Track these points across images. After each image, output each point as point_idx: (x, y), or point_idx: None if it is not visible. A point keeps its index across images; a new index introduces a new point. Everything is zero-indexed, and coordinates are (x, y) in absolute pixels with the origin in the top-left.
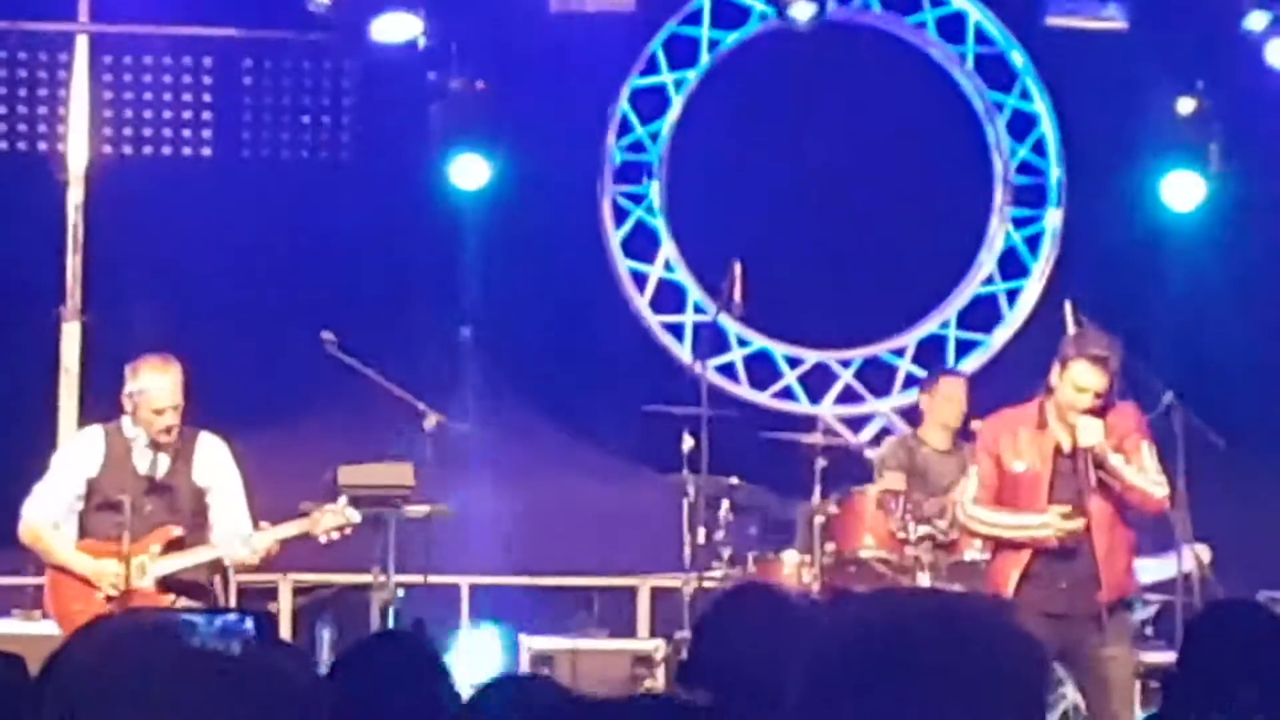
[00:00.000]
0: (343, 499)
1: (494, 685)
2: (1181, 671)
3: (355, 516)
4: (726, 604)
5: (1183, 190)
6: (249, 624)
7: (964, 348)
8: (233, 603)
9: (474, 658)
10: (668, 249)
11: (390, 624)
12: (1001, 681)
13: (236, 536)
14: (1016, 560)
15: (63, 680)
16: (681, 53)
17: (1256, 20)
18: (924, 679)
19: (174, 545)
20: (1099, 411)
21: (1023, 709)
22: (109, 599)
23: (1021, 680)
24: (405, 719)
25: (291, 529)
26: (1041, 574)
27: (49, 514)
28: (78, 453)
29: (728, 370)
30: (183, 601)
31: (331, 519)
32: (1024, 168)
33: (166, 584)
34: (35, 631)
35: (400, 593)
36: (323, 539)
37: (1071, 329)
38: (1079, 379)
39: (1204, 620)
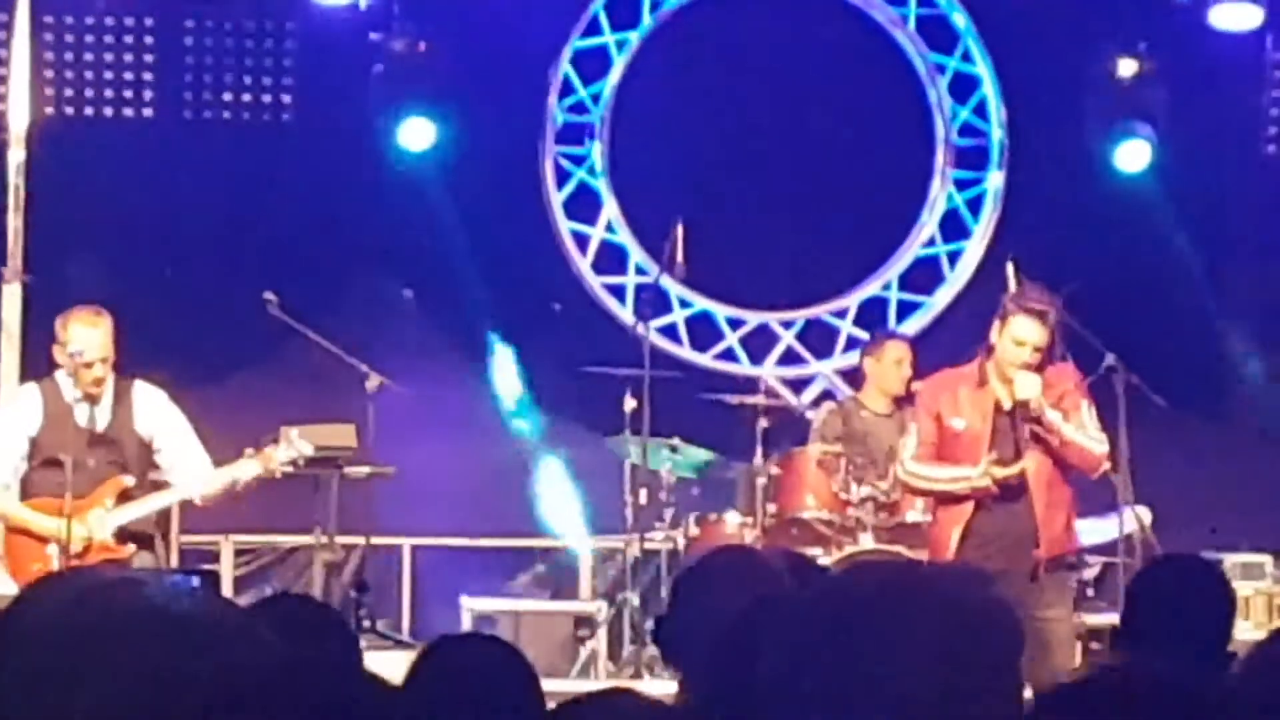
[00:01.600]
0: (292, 430)
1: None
2: (1125, 627)
3: (308, 448)
4: (705, 565)
5: (1126, 152)
6: (195, 582)
7: (906, 309)
8: (174, 562)
9: None
10: (609, 210)
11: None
12: (978, 651)
13: (198, 476)
14: (958, 517)
15: (20, 632)
16: (623, 14)
17: None
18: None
19: (125, 496)
20: (1037, 368)
21: (999, 678)
22: (69, 555)
23: (997, 650)
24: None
25: (249, 467)
26: (981, 531)
27: None
28: (16, 412)
29: (669, 331)
30: (139, 555)
31: (285, 452)
32: (966, 129)
33: (123, 535)
34: None
35: (342, 554)
36: (278, 474)
37: (1013, 288)
38: (1018, 333)
39: (1147, 576)
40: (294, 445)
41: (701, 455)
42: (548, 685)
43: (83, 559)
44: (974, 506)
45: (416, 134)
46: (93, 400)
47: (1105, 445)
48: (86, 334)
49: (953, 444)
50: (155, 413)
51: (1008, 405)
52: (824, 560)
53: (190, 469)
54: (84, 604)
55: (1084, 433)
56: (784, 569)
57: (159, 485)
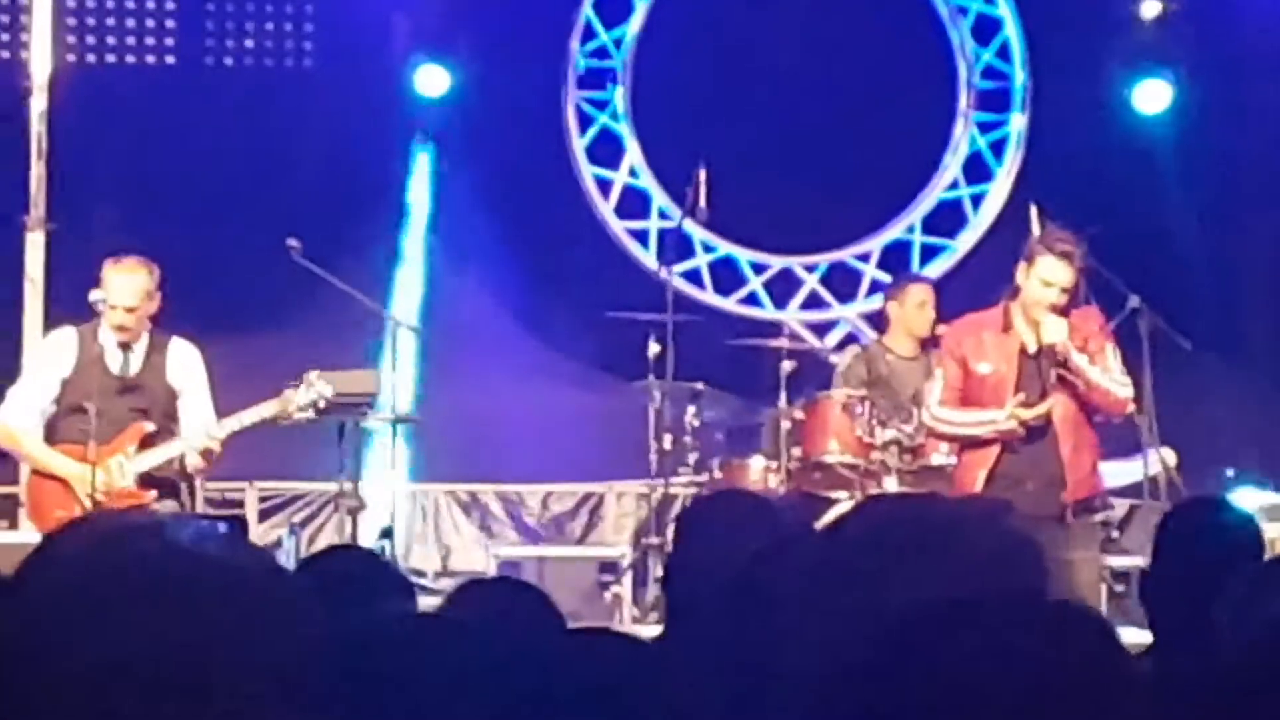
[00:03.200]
0: (313, 373)
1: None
2: (1154, 570)
3: (328, 390)
4: (706, 508)
5: (1149, 94)
6: (222, 528)
7: (929, 253)
8: (199, 509)
9: None
10: (632, 155)
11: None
12: (997, 586)
13: (204, 430)
14: (983, 460)
15: (44, 580)
16: None
17: None
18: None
19: (146, 442)
20: (1063, 310)
21: None
22: (93, 501)
23: (1020, 582)
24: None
25: (265, 410)
26: (1008, 474)
27: (24, 417)
28: (51, 353)
29: (693, 276)
30: (159, 503)
31: (305, 394)
32: (988, 72)
33: (145, 481)
34: (5, 540)
35: (366, 500)
36: (300, 418)
37: (1036, 232)
38: (1045, 273)
39: (1175, 519)
40: (314, 388)
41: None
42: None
43: (105, 505)
44: (999, 449)
45: (434, 80)
46: (125, 347)
47: (1130, 389)
48: (117, 280)
49: (978, 388)
50: (187, 367)
51: (1033, 348)
52: (848, 504)
53: (199, 427)
54: (109, 548)
55: (1109, 376)
56: (789, 511)
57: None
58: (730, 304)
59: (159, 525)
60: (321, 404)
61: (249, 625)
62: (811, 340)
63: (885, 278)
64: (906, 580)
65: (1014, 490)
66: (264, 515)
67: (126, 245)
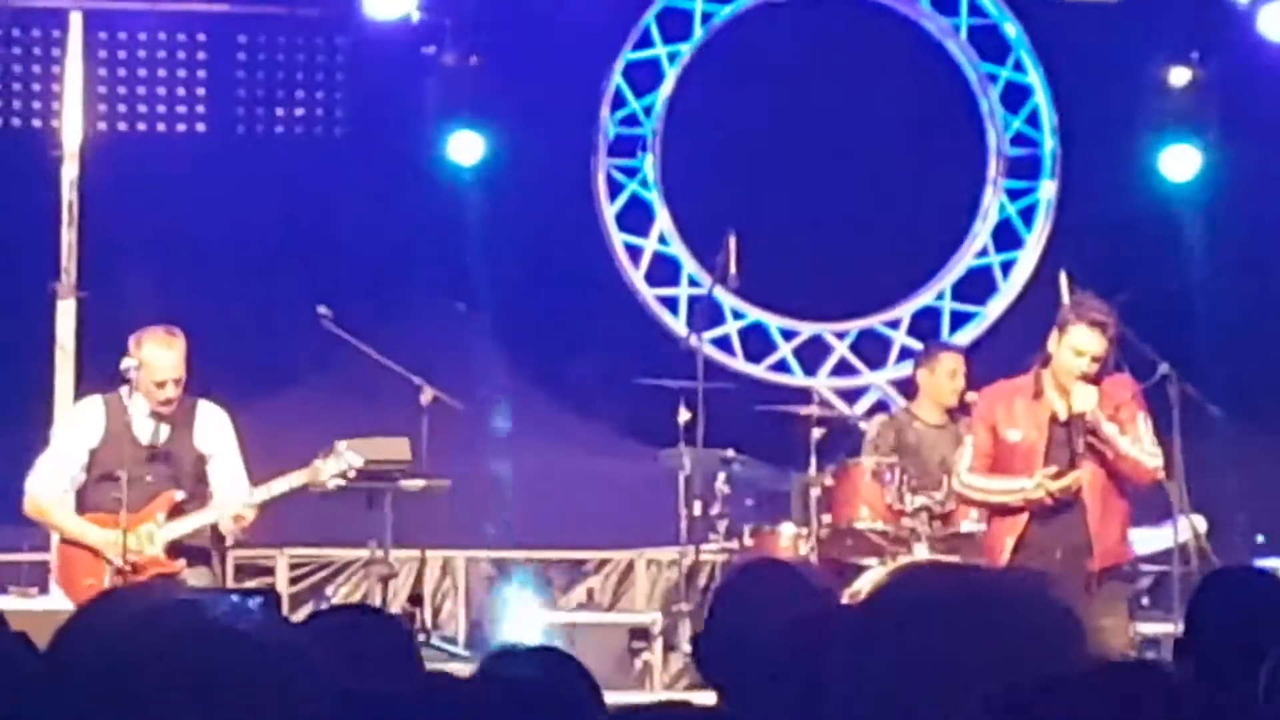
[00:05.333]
0: (342, 443)
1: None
2: (1187, 640)
3: (357, 460)
4: (741, 579)
5: (1178, 161)
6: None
7: (958, 320)
8: (230, 578)
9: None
10: (662, 222)
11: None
12: (1043, 657)
13: (236, 498)
14: (1012, 527)
15: (78, 654)
16: (675, 26)
17: None
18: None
19: (177, 510)
20: (1095, 379)
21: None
22: (120, 570)
23: (1062, 655)
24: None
25: (296, 479)
26: (1036, 542)
27: (54, 486)
28: (79, 424)
29: (723, 343)
30: (189, 570)
31: (335, 464)
32: (1018, 139)
33: (174, 549)
34: (36, 607)
35: (397, 568)
36: (330, 486)
37: (1066, 299)
38: (1078, 343)
39: (1207, 588)
40: (343, 458)
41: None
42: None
43: (135, 574)
44: (1028, 516)
45: (467, 147)
46: (160, 418)
47: (1159, 459)
48: (160, 354)
49: (1008, 455)
50: (215, 432)
51: (1064, 416)
52: (878, 571)
53: (230, 493)
54: (143, 627)
55: (1139, 446)
56: (822, 581)
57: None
58: (760, 371)
59: (193, 603)
60: (351, 474)
61: (283, 703)
62: (841, 407)
63: (915, 344)
64: (948, 653)
65: (1042, 558)
66: (294, 582)
67: (157, 313)
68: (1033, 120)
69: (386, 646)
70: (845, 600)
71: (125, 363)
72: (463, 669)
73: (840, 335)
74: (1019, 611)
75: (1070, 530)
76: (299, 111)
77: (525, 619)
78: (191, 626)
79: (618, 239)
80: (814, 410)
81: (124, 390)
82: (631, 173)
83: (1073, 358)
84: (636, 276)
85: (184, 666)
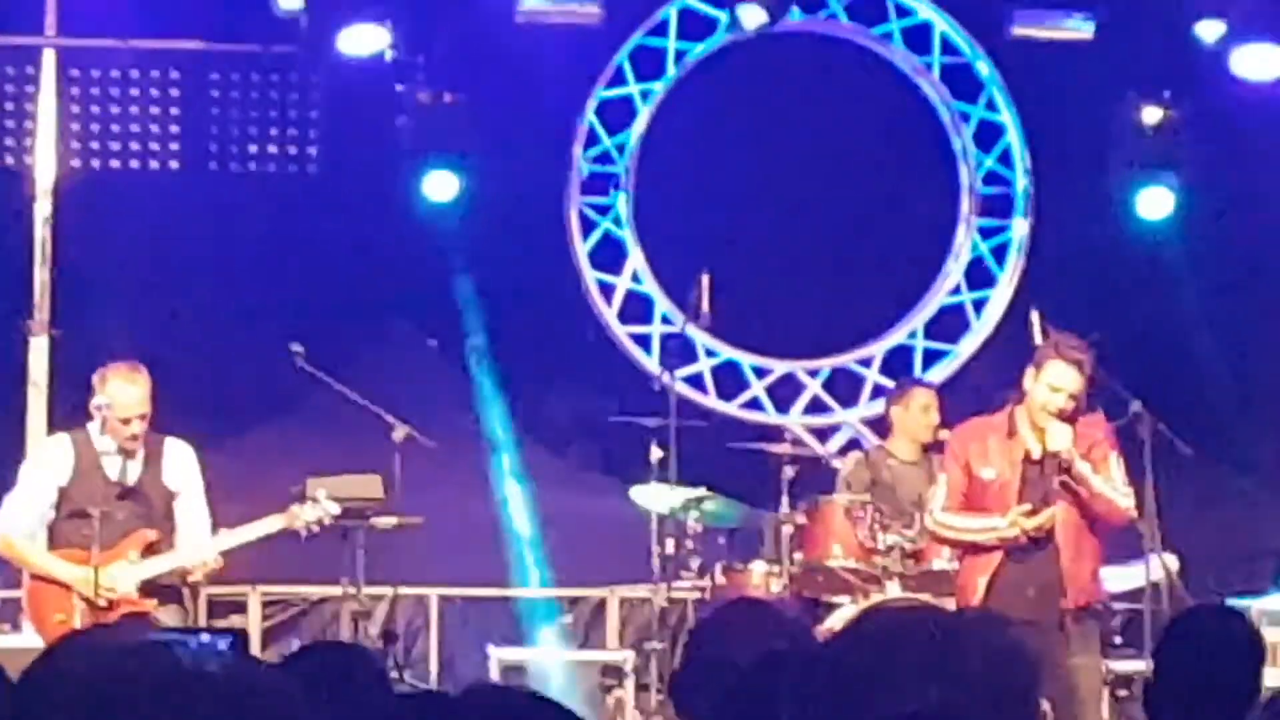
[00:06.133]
0: (321, 491)
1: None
2: (1157, 678)
3: (335, 509)
4: (719, 617)
5: (1150, 200)
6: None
7: (931, 358)
8: (202, 615)
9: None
10: (635, 260)
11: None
12: (993, 695)
13: (200, 540)
14: (985, 566)
15: (47, 695)
16: (648, 64)
17: (1207, 29)
18: (917, 695)
19: (150, 549)
20: (1070, 417)
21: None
22: (93, 608)
23: (1013, 693)
24: None
25: (273, 524)
26: (1008, 580)
27: (22, 525)
28: (47, 461)
29: (695, 381)
30: (160, 608)
31: (311, 511)
32: (990, 178)
33: (146, 588)
34: (7, 644)
35: (369, 605)
36: (304, 533)
37: (1039, 338)
38: (1054, 379)
39: (1178, 627)
40: (320, 505)
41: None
42: None
43: (106, 612)
44: (1001, 555)
45: (441, 185)
46: (127, 454)
47: (1132, 499)
48: (125, 390)
49: (982, 493)
50: (182, 469)
51: (1037, 454)
52: (850, 609)
53: (194, 533)
54: (111, 667)
55: (1111, 485)
56: (797, 619)
57: None
58: (733, 409)
59: (161, 643)
60: (327, 520)
61: None
62: (814, 445)
63: (887, 382)
64: (905, 689)
65: (1015, 597)
66: (267, 619)
67: (130, 350)
68: (1005, 159)
69: (362, 683)
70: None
71: (97, 399)
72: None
73: (813, 373)
74: (973, 650)
75: (1043, 569)
76: (273, 149)
77: (497, 656)
78: (158, 667)
79: (590, 277)
80: (786, 448)
81: (92, 427)
82: (604, 210)
83: (1048, 394)
84: (609, 314)
85: (151, 708)
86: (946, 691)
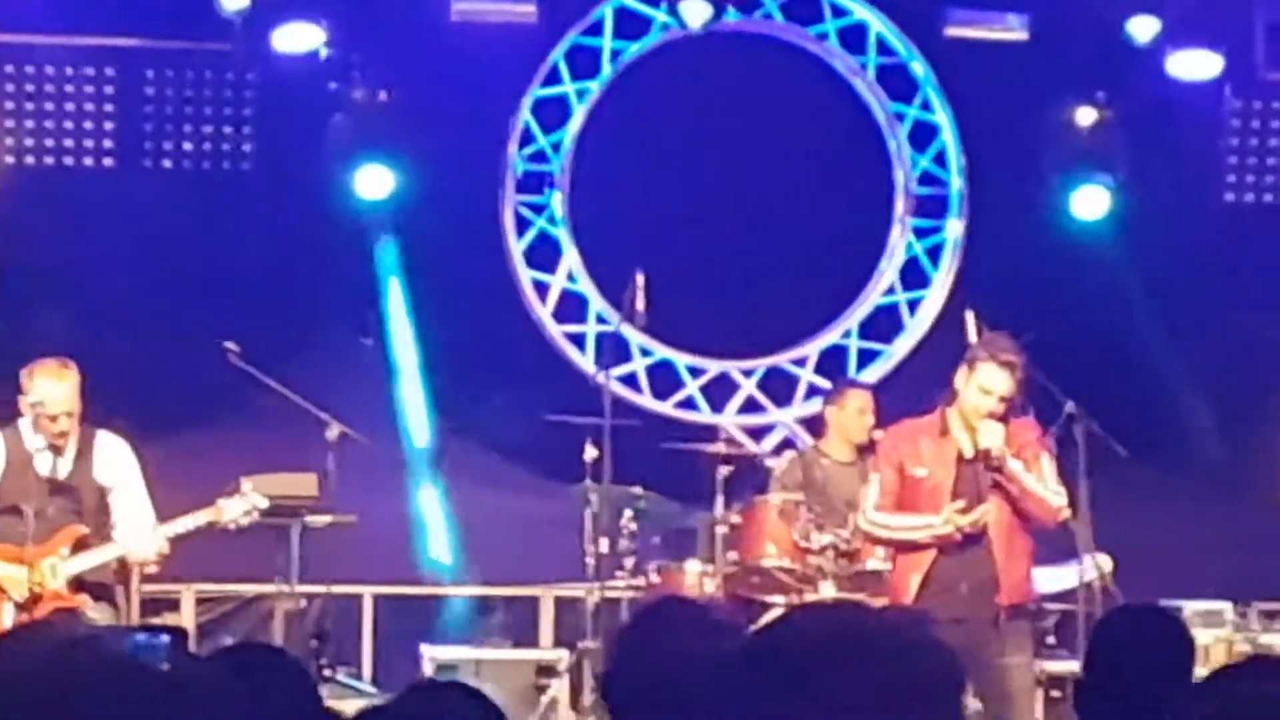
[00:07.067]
0: (248, 484)
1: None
2: (1087, 677)
3: (262, 502)
4: (649, 616)
5: (1086, 201)
6: (164, 639)
7: (865, 358)
8: (135, 612)
9: None
10: (570, 259)
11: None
12: (916, 694)
13: (141, 531)
14: (917, 564)
15: None
16: (583, 63)
17: (1141, 26)
18: (841, 693)
19: (81, 544)
20: (1001, 419)
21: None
22: (20, 605)
23: (937, 693)
24: None
25: (200, 518)
26: (941, 579)
27: None
28: None
29: (630, 380)
30: (91, 605)
31: (239, 504)
32: (925, 178)
33: (76, 584)
34: None
35: (303, 603)
36: (232, 527)
37: (973, 338)
38: (986, 381)
39: (1108, 625)
40: (248, 498)
41: (663, 504)
42: None
43: (35, 607)
44: (934, 554)
45: (375, 182)
46: (56, 450)
47: (1064, 498)
48: (52, 386)
49: (914, 493)
50: (115, 463)
51: (970, 454)
52: (782, 608)
53: (134, 525)
54: (53, 662)
55: (1044, 485)
56: (726, 618)
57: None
58: (667, 408)
59: (102, 639)
60: (255, 514)
61: None
62: (748, 445)
63: (822, 383)
64: (831, 688)
65: (948, 595)
66: (200, 616)
67: (64, 347)
68: (940, 159)
69: (288, 687)
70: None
71: (25, 397)
72: (367, 705)
73: (747, 373)
74: (898, 649)
75: (976, 567)
76: (207, 146)
77: (430, 655)
78: (101, 661)
79: (525, 275)
80: (721, 448)
81: (23, 424)
82: (539, 209)
83: (980, 396)
84: (544, 313)
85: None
86: (870, 690)
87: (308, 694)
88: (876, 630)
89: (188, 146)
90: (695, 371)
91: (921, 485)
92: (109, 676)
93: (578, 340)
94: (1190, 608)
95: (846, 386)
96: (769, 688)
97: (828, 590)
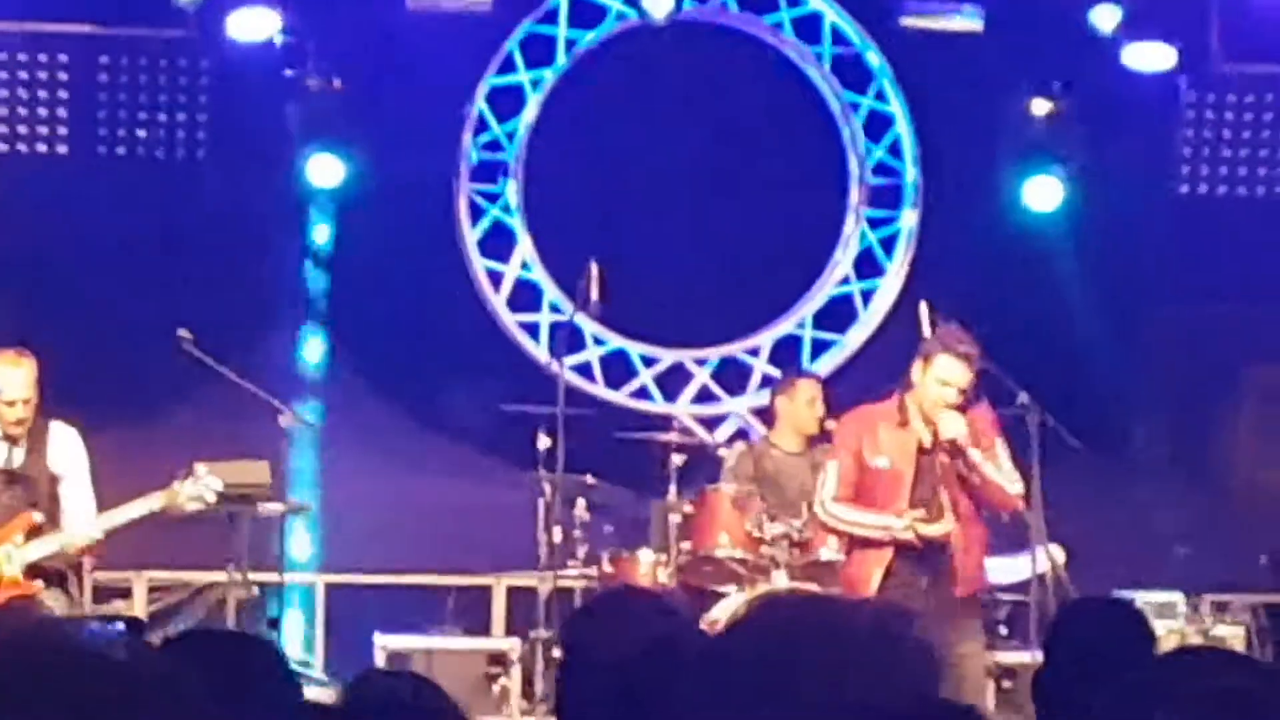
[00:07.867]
0: (202, 467)
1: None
2: (1046, 670)
3: (217, 484)
4: (600, 605)
5: (1040, 192)
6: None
7: (819, 348)
8: (87, 599)
9: None
10: (524, 248)
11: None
12: (897, 689)
13: (82, 520)
14: (878, 558)
15: None
16: (538, 52)
17: (1104, 16)
18: (819, 688)
19: (34, 532)
20: (960, 409)
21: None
22: None
23: (917, 687)
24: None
25: (154, 500)
26: (903, 572)
27: None
28: None
29: (584, 369)
30: (46, 592)
31: (193, 488)
32: (880, 168)
33: (32, 571)
34: None
35: (255, 591)
36: (187, 508)
37: (927, 329)
38: (943, 374)
39: (1067, 618)
40: (201, 482)
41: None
42: None
43: None
44: (895, 548)
45: (328, 170)
46: (12, 440)
47: (1020, 485)
48: (9, 375)
49: (874, 482)
50: (66, 452)
51: (929, 444)
52: (736, 598)
53: (77, 513)
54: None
55: (1001, 473)
56: (677, 607)
57: None
58: (621, 397)
59: (58, 627)
60: (209, 498)
61: None
62: (702, 434)
63: (775, 372)
64: (803, 683)
65: (908, 588)
66: (152, 604)
67: (15, 335)
68: (895, 149)
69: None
70: (703, 627)
71: None
72: (321, 694)
73: (701, 362)
74: (874, 645)
75: (935, 560)
76: (161, 133)
77: (381, 643)
78: (56, 650)
79: (479, 264)
80: (674, 437)
81: None
82: (494, 198)
83: (938, 388)
84: (498, 302)
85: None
86: (849, 686)
87: (289, 681)
88: (856, 625)
89: (141, 134)
90: (649, 361)
91: (881, 475)
92: (64, 664)
93: (532, 329)
94: (1142, 599)
95: (796, 377)
96: (745, 684)
97: (780, 580)
